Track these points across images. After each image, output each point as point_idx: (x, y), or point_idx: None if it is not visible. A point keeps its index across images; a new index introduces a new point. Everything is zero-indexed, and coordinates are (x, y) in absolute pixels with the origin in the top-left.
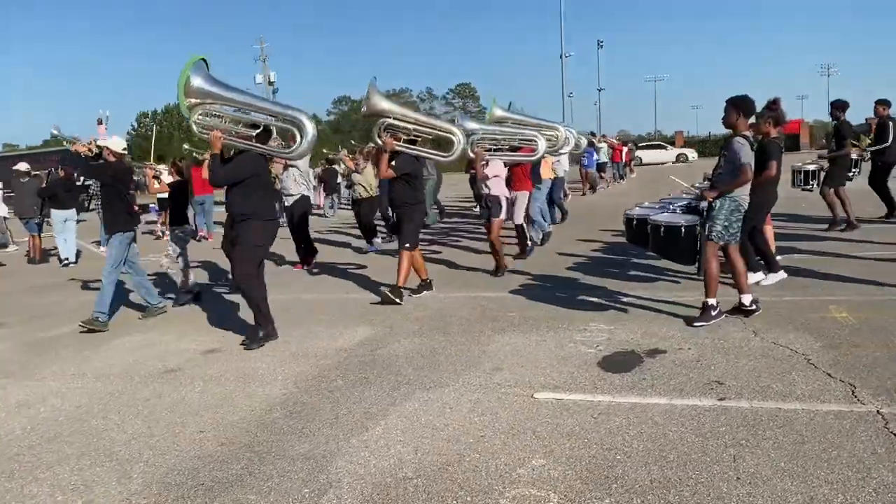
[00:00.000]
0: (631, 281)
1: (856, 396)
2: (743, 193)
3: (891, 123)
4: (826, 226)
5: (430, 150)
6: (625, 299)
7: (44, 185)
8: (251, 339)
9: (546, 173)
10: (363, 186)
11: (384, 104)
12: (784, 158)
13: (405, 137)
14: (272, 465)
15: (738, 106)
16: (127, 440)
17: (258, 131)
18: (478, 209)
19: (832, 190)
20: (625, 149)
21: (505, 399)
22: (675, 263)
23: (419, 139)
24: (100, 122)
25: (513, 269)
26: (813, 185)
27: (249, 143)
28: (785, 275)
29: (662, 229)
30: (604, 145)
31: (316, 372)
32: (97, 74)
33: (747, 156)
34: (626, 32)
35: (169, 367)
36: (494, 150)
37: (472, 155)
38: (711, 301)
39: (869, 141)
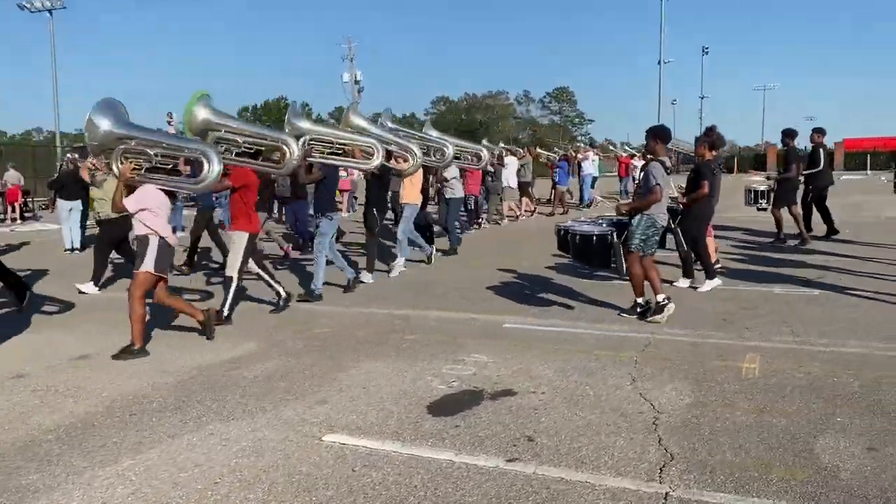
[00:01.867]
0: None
1: (660, 473)
2: (659, 212)
3: (822, 150)
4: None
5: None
6: (545, 328)
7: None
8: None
9: (411, 196)
10: None
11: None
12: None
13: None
14: None
15: (657, 135)
16: None
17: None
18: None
19: (783, 209)
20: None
21: (289, 438)
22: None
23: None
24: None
25: (460, 286)
26: (762, 203)
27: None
28: (720, 282)
29: (578, 237)
30: (594, 157)
31: (142, 392)
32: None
33: (659, 178)
34: (733, 39)
35: (22, 372)
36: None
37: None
38: (640, 300)
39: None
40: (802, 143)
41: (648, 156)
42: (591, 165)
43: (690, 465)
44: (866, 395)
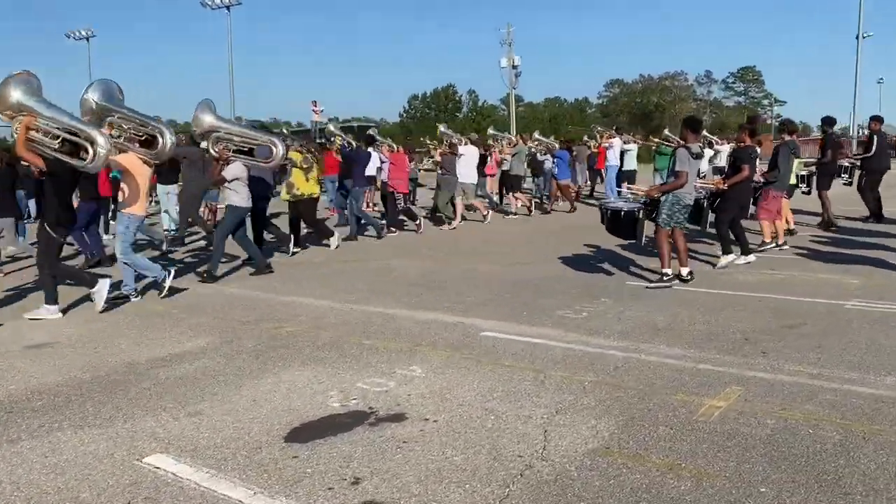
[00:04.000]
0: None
1: None
2: (685, 192)
3: (876, 136)
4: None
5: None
6: (523, 339)
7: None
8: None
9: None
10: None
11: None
12: None
13: None
14: None
15: (688, 125)
16: None
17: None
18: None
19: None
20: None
21: (112, 455)
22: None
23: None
24: (314, 106)
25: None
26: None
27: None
28: (753, 258)
29: (610, 212)
30: (628, 145)
31: (47, 387)
32: (348, 61)
33: (683, 164)
34: None
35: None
36: (235, 152)
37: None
38: (666, 270)
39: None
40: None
41: (680, 142)
42: (615, 155)
43: None
44: (831, 459)
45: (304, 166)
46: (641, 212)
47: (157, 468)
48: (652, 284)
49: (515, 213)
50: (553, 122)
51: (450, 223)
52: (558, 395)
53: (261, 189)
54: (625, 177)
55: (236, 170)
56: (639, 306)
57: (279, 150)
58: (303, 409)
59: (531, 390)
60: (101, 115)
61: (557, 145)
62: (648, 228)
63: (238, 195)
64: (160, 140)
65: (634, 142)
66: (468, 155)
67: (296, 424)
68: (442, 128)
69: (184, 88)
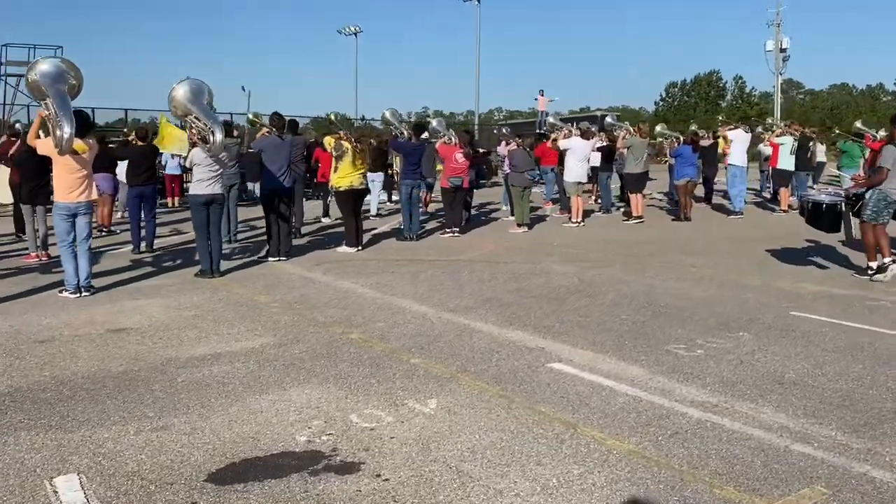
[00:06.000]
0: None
1: None
2: (890, 187)
3: None
4: None
5: None
6: (590, 377)
7: None
8: None
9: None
10: None
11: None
12: None
13: None
14: None
15: (893, 121)
16: None
17: None
18: None
19: None
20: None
21: (37, 468)
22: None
23: None
24: (541, 96)
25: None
26: None
27: None
28: None
29: (811, 204)
30: (781, 137)
31: (44, 383)
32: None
33: (887, 161)
34: None
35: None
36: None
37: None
38: (872, 263)
39: None
40: None
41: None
42: (741, 151)
43: None
44: None
45: (335, 153)
46: (843, 205)
47: (56, 492)
48: (875, 277)
49: (640, 217)
50: (835, 112)
51: (523, 228)
52: (565, 464)
53: (277, 173)
54: (782, 175)
55: (194, 156)
56: (781, 347)
57: (215, 137)
58: (264, 441)
59: (537, 452)
60: (185, 112)
61: (681, 139)
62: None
63: (197, 183)
64: (211, 138)
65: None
66: (576, 148)
67: (239, 458)
68: (387, 114)
69: (433, 78)
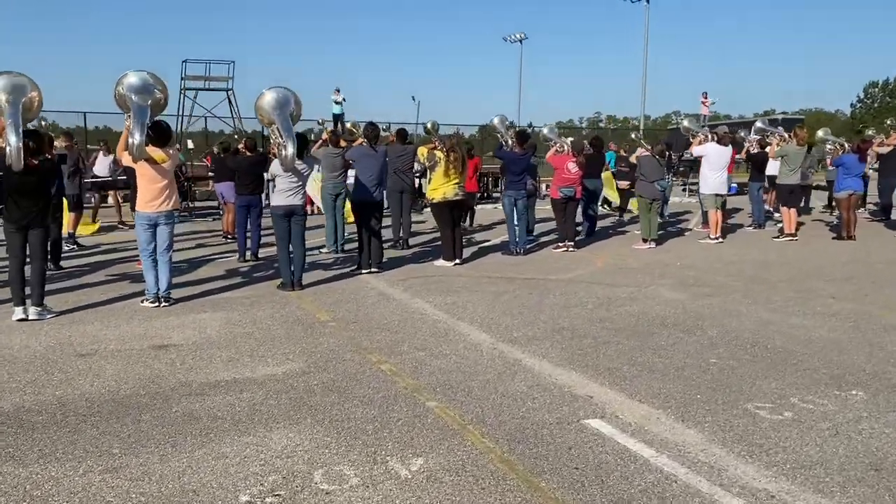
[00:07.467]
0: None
1: None
2: None
3: None
4: None
5: None
6: (628, 444)
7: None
8: None
9: None
10: None
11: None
12: None
13: None
14: None
15: None
16: None
17: None
18: None
19: None
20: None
21: None
22: None
23: None
24: (703, 101)
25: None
26: None
27: None
28: None
29: None
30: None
31: (70, 398)
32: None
33: None
34: None
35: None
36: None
37: None
38: None
39: None
40: None
41: None
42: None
43: None
44: None
45: (428, 164)
46: None
47: None
48: None
49: (793, 235)
50: None
51: (649, 244)
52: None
53: (368, 184)
54: None
55: (273, 168)
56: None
57: (287, 152)
58: (203, 497)
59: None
60: (270, 120)
61: (846, 146)
62: None
63: (277, 195)
64: (283, 152)
65: None
66: (711, 155)
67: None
68: (495, 121)
69: (598, 84)
